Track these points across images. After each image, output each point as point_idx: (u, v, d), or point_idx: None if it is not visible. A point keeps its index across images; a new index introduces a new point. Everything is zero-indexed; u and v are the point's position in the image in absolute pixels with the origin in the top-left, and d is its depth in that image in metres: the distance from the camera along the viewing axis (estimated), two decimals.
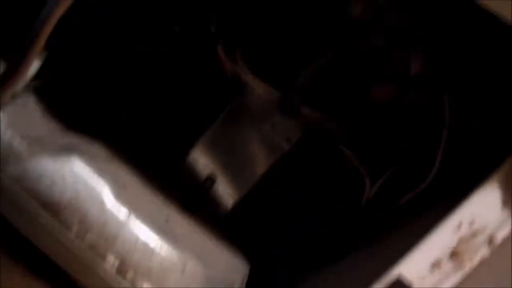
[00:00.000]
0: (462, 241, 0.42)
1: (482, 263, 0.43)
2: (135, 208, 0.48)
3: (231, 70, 0.61)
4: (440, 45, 0.52)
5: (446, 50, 0.53)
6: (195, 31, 0.62)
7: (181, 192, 0.61)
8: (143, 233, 0.48)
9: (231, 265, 0.54)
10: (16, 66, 0.37)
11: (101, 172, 0.48)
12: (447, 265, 0.42)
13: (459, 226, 0.42)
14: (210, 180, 0.66)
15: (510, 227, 0.42)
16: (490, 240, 0.42)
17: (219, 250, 0.55)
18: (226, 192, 0.66)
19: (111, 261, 0.46)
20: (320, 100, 0.59)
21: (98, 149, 0.51)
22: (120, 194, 0.48)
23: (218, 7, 0.60)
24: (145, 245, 0.47)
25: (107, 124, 0.61)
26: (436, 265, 0.43)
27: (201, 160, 0.66)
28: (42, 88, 0.53)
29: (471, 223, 0.42)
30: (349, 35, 0.55)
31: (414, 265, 0.42)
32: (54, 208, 0.46)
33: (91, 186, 0.47)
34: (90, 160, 0.48)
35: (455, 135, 0.51)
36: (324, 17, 0.57)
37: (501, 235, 0.42)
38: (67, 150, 0.48)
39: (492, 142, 0.49)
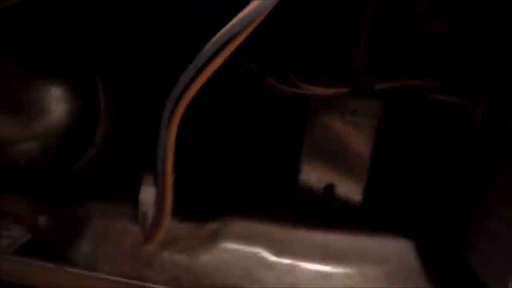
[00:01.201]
0: None
1: None
2: (295, 254, 0.51)
3: (289, 91, 0.63)
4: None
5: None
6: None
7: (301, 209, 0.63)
8: (313, 272, 0.51)
9: (398, 252, 0.55)
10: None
11: (250, 240, 0.52)
12: None
13: None
14: (330, 188, 0.68)
15: None
16: None
17: (379, 244, 0.56)
18: (349, 192, 0.67)
19: None
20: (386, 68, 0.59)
21: (233, 223, 0.56)
22: (276, 249, 0.51)
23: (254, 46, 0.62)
24: (322, 281, 0.50)
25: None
26: None
27: (313, 176, 0.68)
28: None
29: None
30: None
31: None
32: None
33: (252, 256, 0.51)
34: (235, 236, 0.53)
35: None
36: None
37: None
38: (215, 238, 0.52)
39: None
